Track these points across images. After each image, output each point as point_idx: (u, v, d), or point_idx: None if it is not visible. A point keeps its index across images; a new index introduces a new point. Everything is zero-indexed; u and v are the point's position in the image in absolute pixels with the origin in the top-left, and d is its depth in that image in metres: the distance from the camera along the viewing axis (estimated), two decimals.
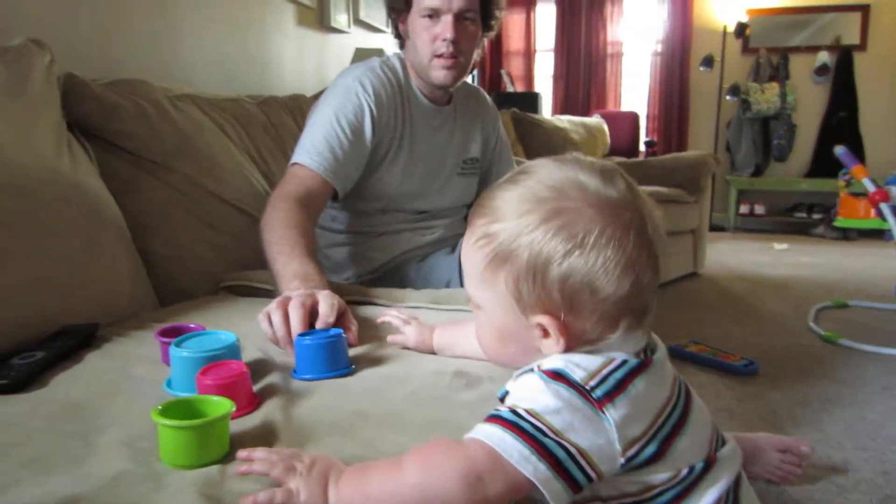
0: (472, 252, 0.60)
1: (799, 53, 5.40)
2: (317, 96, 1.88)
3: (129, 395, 0.71)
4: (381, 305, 1.17)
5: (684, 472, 0.58)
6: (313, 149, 1.30)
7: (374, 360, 0.83)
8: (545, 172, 0.59)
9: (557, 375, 0.55)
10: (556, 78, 5.78)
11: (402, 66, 1.47)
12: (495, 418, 0.53)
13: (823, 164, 5.38)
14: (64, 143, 1.15)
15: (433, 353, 0.87)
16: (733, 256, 4.15)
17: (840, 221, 2.75)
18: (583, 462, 0.52)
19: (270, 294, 1.25)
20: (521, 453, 0.50)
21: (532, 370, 0.58)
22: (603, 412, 0.53)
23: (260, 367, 0.79)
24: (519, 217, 0.57)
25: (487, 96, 1.69)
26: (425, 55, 1.38)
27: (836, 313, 2.90)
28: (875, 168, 5.24)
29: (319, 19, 2.72)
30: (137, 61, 1.74)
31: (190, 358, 0.71)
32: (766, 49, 5.41)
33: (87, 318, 0.95)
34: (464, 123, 1.58)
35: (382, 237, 1.48)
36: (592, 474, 0.52)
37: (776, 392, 1.85)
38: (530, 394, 0.55)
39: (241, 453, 0.55)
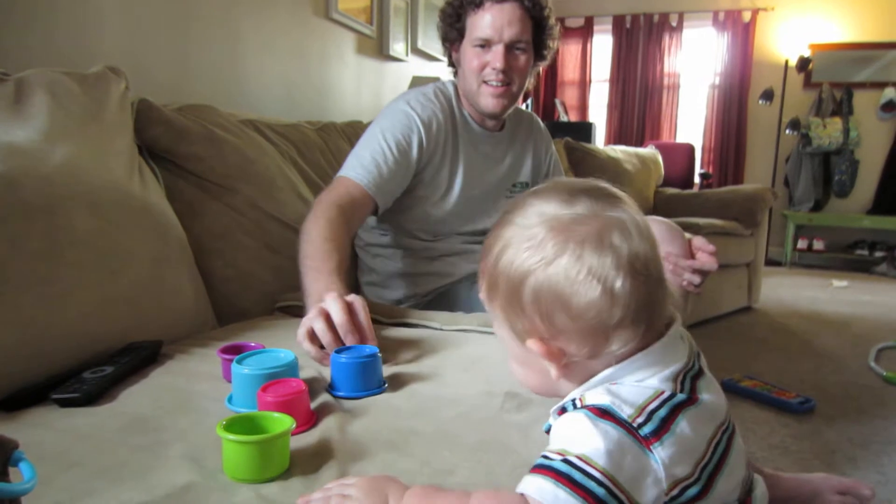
0: (481, 289, 0.63)
1: (864, 89, 5.25)
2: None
3: (193, 411, 0.74)
4: (434, 329, 1.19)
5: None
6: (358, 163, 1.34)
7: (423, 379, 0.84)
8: (520, 208, 0.61)
9: (604, 413, 0.53)
10: (611, 108, 5.77)
11: (456, 92, 1.50)
12: (546, 469, 0.52)
13: (887, 201, 5.20)
14: (135, 165, 1.21)
15: None
16: (789, 292, 4.03)
17: None
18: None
19: None
20: None
21: (574, 405, 0.57)
22: (651, 451, 0.52)
23: (317, 385, 0.81)
24: (493, 248, 0.60)
25: (540, 122, 1.70)
26: (474, 82, 1.41)
27: (893, 353, 2.78)
28: None
29: (378, 48, 2.80)
30: (205, 87, 1.83)
31: (251, 375, 0.74)
32: (829, 84, 5.28)
33: (153, 335, 0.99)
34: (516, 148, 1.60)
35: (434, 261, 1.50)
36: None
37: (833, 431, 1.80)
38: (578, 435, 0.53)
39: (299, 501, 0.55)
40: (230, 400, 0.77)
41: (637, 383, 0.57)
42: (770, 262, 4.56)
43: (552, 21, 1.43)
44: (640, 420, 0.53)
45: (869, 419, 1.90)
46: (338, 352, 0.82)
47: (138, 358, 0.88)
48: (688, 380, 0.58)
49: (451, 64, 1.51)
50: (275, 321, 1.20)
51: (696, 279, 1.43)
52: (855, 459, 1.62)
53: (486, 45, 1.38)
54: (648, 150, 4.07)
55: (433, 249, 1.50)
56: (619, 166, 3.62)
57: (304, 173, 1.64)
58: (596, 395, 0.56)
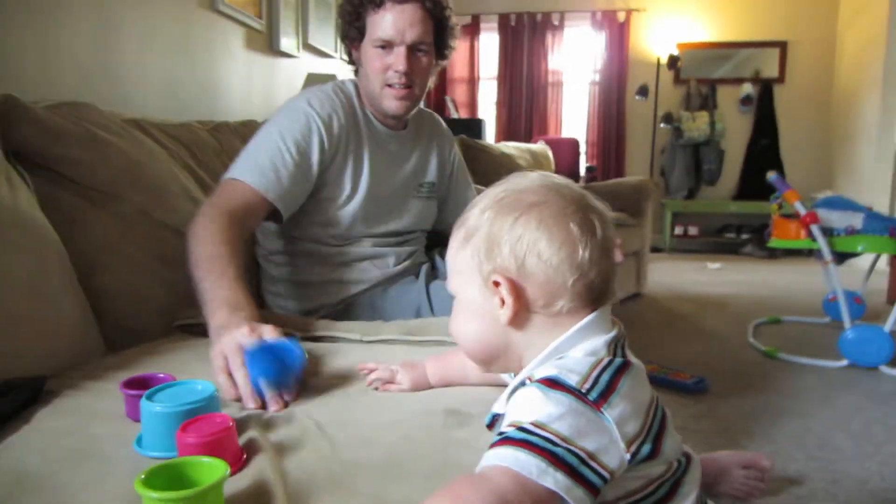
0: (452, 241, 0.68)
1: (725, 85, 5.68)
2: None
3: (96, 461, 0.64)
4: (353, 341, 1.13)
5: (674, 465, 0.63)
6: (255, 166, 1.25)
7: (353, 402, 0.78)
8: (510, 178, 0.68)
9: (553, 383, 0.56)
10: (500, 105, 5.87)
11: (356, 90, 1.46)
12: (504, 440, 0.53)
13: (749, 188, 5.66)
14: (2, 171, 1.05)
15: (429, 388, 0.84)
16: (672, 276, 4.28)
17: (774, 242, 2.87)
18: (594, 464, 0.53)
19: None
20: (539, 467, 0.51)
21: (524, 384, 0.60)
22: (601, 412, 0.55)
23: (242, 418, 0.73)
24: (482, 201, 0.66)
25: (443, 122, 1.68)
26: (377, 84, 1.38)
27: (772, 328, 3.02)
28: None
29: (268, 43, 2.66)
30: (76, 83, 1.64)
31: (165, 413, 0.65)
32: (695, 80, 5.66)
33: (31, 368, 0.86)
34: (420, 147, 1.57)
35: (344, 268, 1.43)
36: (606, 474, 0.53)
37: (727, 407, 1.91)
38: (531, 406, 0.56)
39: None
40: (139, 442, 0.67)
41: (581, 354, 0.61)
42: (652, 249, 4.83)
43: (453, 21, 1.42)
44: (587, 386, 0.56)
45: (757, 393, 2.04)
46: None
47: (17, 399, 0.76)
48: (619, 347, 0.63)
49: (352, 62, 1.47)
50: (176, 344, 1.09)
51: None
52: (750, 432, 1.73)
53: (387, 45, 1.34)
54: (539, 146, 4.17)
55: (343, 254, 1.43)
56: (513, 162, 3.67)
57: (198, 178, 1.51)
58: (543, 369, 0.59)
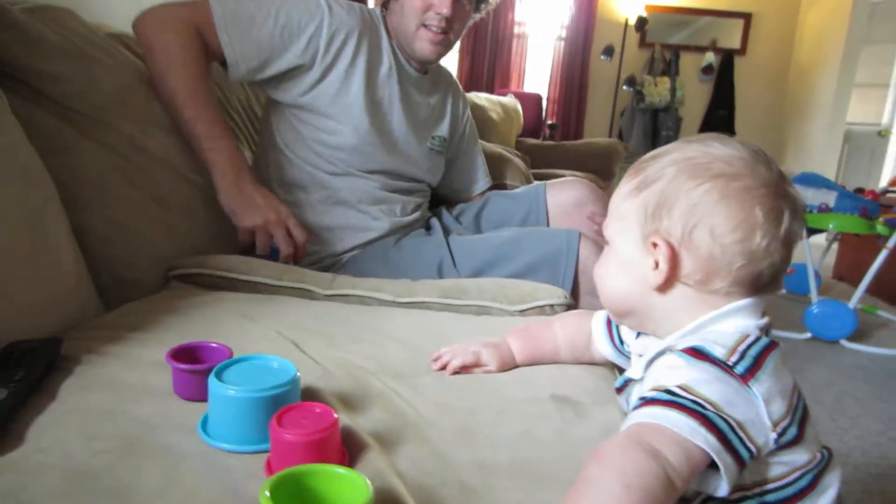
0: (623, 185, 0.62)
1: (689, 52, 5.68)
2: None
3: (159, 454, 0.51)
4: (384, 302, 1.02)
5: (818, 456, 0.58)
6: (235, 4, 1.20)
7: (447, 387, 0.68)
8: (709, 140, 0.60)
9: (698, 353, 0.54)
10: (463, 54, 5.67)
11: (384, 24, 1.35)
12: (649, 401, 0.51)
13: None
14: None
15: (515, 367, 0.76)
16: None
17: None
18: (742, 435, 0.50)
19: (235, 284, 1.06)
20: (689, 426, 0.48)
21: (665, 353, 0.57)
22: (748, 386, 0.52)
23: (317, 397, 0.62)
24: (671, 154, 0.60)
25: (457, 82, 1.57)
26: (412, 23, 1.28)
27: None
28: None
29: None
30: None
31: (249, 399, 0.53)
32: (660, 45, 5.63)
33: (26, 327, 0.72)
34: (436, 98, 1.49)
35: (350, 209, 1.32)
36: (753, 448, 0.51)
37: None
38: (675, 371, 0.53)
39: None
40: (205, 430, 0.56)
41: (730, 329, 0.57)
42: None
43: None
44: (734, 359, 0.53)
45: None
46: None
47: (35, 368, 0.62)
48: (767, 334, 0.59)
49: None
50: (187, 298, 0.95)
51: None
52: None
53: None
54: (509, 99, 4.05)
55: (349, 190, 1.31)
56: (485, 114, 3.54)
57: None
58: (685, 339, 0.57)
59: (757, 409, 0.52)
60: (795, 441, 0.55)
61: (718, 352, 0.53)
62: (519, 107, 4.04)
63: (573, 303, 1.05)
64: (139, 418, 0.57)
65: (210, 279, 1.07)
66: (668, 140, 5.57)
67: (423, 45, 1.30)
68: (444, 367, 0.73)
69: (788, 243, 0.56)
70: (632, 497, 0.43)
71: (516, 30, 5.66)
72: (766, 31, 5.63)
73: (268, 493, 0.40)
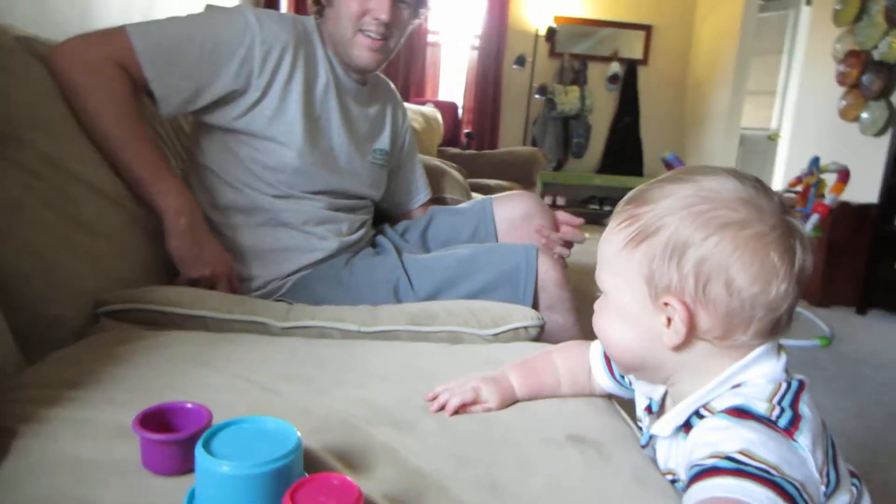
0: (614, 235, 0.58)
1: (596, 62, 5.87)
2: None
3: None
4: (349, 333, 0.95)
5: (854, 491, 0.58)
6: (153, 29, 1.11)
7: (455, 434, 0.61)
8: (700, 177, 0.57)
9: (742, 412, 0.52)
10: None
11: (319, 33, 1.27)
12: (713, 471, 0.48)
13: (612, 162, 5.97)
14: None
15: (515, 402, 0.71)
16: None
17: None
18: (806, 496, 0.48)
19: (177, 320, 0.95)
20: (768, 497, 0.46)
21: (699, 414, 0.55)
22: (795, 440, 0.51)
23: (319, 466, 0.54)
24: (665, 200, 0.56)
25: (396, 91, 1.52)
26: (349, 29, 1.21)
27: None
28: (649, 169, 5.97)
29: None
30: None
31: (248, 476, 0.45)
32: (569, 55, 5.79)
33: None
34: (376, 109, 1.42)
35: (293, 231, 1.24)
36: None
37: None
38: (727, 435, 0.50)
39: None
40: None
41: (762, 381, 0.55)
42: None
43: None
44: (775, 413, 0.52)
45: None
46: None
47: None
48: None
49: (317, 1, 1.27)
50: (126, 341, 0.83)
51: (566, 252, 1.41)
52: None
53: None
54: (429, 109, 4.01)
55: (291, 212, 1.23)
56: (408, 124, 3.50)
57: None
58: (723, 399, 0.55)
59: (807, 463, 0.50)
60: (836, 485, 0.54)
61: (760, 408, 0.52)
62: (439, 116, 4.01)
63: (544, 323, 1.01)
64: None
65: (147, 315, 0.96)
66: (580, 147, 5.77)
67: (360, 52, 1.23)
68: (442, 408, 0.68)
69: (802, 279, 0.55)
70: None
71: (430, 38, 5.65)
72: (665, 42, 5.91)
73: None
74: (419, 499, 0.50)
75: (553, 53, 5.81)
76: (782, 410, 0.52)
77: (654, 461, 0.62)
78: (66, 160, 1.00)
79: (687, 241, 0.53)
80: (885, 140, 3.42)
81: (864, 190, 3.41)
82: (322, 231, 1.26)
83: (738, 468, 0.47)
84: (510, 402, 0.70)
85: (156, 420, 0.54)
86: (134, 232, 1.09)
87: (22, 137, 0.94)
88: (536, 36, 5.58)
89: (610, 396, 0.74)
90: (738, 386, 0.55)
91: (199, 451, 0.46)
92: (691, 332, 0.54)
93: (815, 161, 3.01)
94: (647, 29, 5.88)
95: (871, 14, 3.70)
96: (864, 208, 3.38)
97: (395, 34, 1.25)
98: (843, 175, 2.82)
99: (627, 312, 0.58)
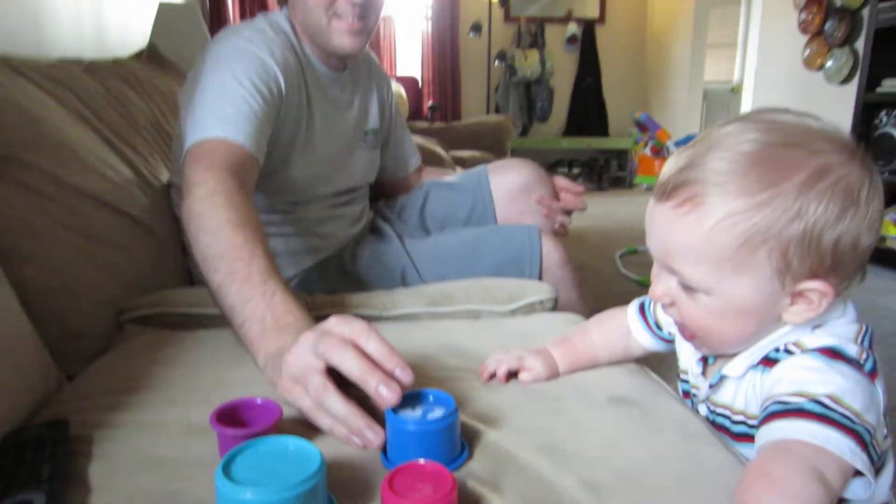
0: (715, 235, 0.53)
1: (553, 24, 5.87)
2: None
3: None
4: (371, 318, 0.98)
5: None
6: (223, 120, 0.96)
7: (520, 411, 0.65)
8: (770, 122, 0.54)
9: (835, 353, 0.52)
10: None
11: (292, 26, 1.20)
12: (800, 412, 0.49)
13: (576, 124, 6.02)
14: None
15: (558, 376, 0.74)
16: None
17: (640, 179, 3.09)
18: (874, 442, 0.50)
19: (202, 320, 0.97)
20: (850, 448, 0.48)
21: (783, 352, 0.55)
22: (875, 386, 0.52)
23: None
24: (776, 186, 0.51)
25: (377, 59, 1.49)
26: (321, 16, 1.13)
27: (634, 258, 3.27)
28: (615, 129, 6.04)
29: None
30: None
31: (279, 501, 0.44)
32: (525, 18, 5.79)
33: None
34: (361, 90, 1.37)
35: (302, 237, 1.24)
36: (875, 457, 0.50)
37: None
38: (819, 377, 0.51)
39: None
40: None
41: (845, 320, 0.56)
42: None
43: None
44: (864, 357, 0.53)
45: None
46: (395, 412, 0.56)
47: (61, 460, 0.53)
48: None
49: None
50: (161, 345, 0.85)
51: (568, 220, 1.43)
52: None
53: None
54: (393, 86, 4.00)
55: (296, 221, 1.23)
56: None
57: (101, 135, 1.18)
58: (815, 338, 0.55)
59: (879, 408, 0.52)
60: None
61: (852, 350, 0.53)
62: (403, 91, 4.01)
63: (558, 295, 1.06)
64: (203, 500, 0.51)
65: (172, 318, 0.98)
66: (543, 111, 5.80)
67: (340, 38, 1.15)
68: (492, 376, 0.71)
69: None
70: None
71: (382, 13, 5.58)
72: (620, 0, 5.94)
73: None
74: (495, 469, 0.54)
75: (508, 18, 5.80)
76: (869, 355, 0.53)
77: (696, 412, 0.66)
78: (69, 176, 1.01)
79: (824, 226, 0.51)
80: (851, 88, 3.38)
81: None
82: (324, 231, 1.27)
83: (824, 413, 0.48)
84: (555, 374, 0.73)
85: (229, 416, 0.57)
86: (142, 239, 1.11)
87: (22, 159, 0.94)
88: (490, 2, 5.56)
89: (636, 361, 0.79)
90: (818, 326, 0.56)
91: (219, 477, 0.45)
92: (827, 297, 0.53)
93: None
94: None
95: None
96: None
97: (372, 10, 1.17)
98: None
99: (748, 305, 0.55)
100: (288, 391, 0.62)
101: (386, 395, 0.55)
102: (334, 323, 0.62)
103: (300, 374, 0.61)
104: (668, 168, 0.57)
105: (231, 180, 0.87)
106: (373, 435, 0.56)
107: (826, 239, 0.51)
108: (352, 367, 0.57)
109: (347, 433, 0.58)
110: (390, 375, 0.57)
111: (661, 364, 0.86)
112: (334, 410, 0.58)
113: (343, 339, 0.59)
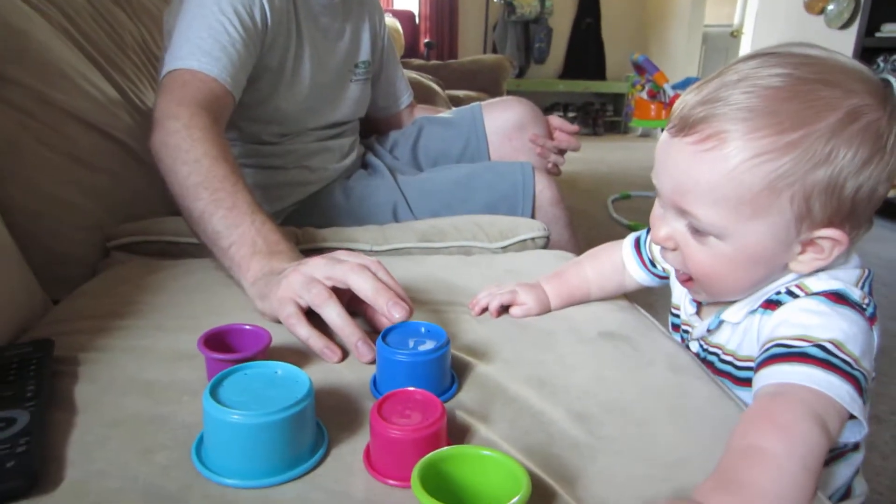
0: (738, 174, 0.50)
1: None
2: None
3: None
4: (359, 251, 0.97)
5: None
6: (199, 49, 0.94)
7: (508, 341, 0.65)
8: (802, 56, 0.52)
9: (840, 298, 0.52)
10: None
11: None
12: (802, 356, 0.48)
13: (573, 66, 5.92)
14: None
15: (549, 311, 0.73)
16: None
17: (635, 122, 3.06)
18: (867, 386, 0.50)
19: (188, 249, 0.96)
20: (850, 394, 0.47)
21: (785, 294, 0.54)
22: (872, 330, 0.52)
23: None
24: (809, 125, 0.48)
25: None
26: None
27: (626, 204, 3.27)
28: (612, 72, 5.94)
29: None
30: None
31: (260, 424, 0.44)
32: None
33: None
34: (353, 21, 1.32)
35: (288, 170, 1.22)
36: (866, 400, 0.50)
37: None
38: (822, 321, 0.50)
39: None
40: (199, 452, 0.47)
41: (850, 265, 0.56)
42: None
43: None
44: (866, 302, 0.53)
45: None
46: (384, 339, 0.56)
47: (46, 379, 0.53)
48: None
49: None
50: (149, 272, 0.84)
51: (562, 160, 1.42)
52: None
53: None
54: (388, 19, 3.88)
55: (285, 154, 1.21)
56: None
57: (85, 52, 1.14)
58: (820, 281, 0.54)
59: (872, 352, 0.51)
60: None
61: (856, 295, 0.52)
62: (399, 26, 3.90)
63: (550, 233, 1.05)
64: (189, 423, 0.51)
65: (157, 246, 0.97)
66: (541, 52, 5.68)
67: None
68: (484, 310, 0.71)
69: None
70: (806, 479, 0.42)
71: None
72: None
73: (418, 481, 0.37)
74: (484, 400, 0.54)
75: None
76: (870, 300, 0.53)
77: (687, 347, 0.67)
78: (56, 95, 0.97)
79: (849, 172, 0.49)
80: (851, 32, 3.38)
81: None
82: (314, 164, 1.24)
83: (826, 359, 0.48)
84: (546, 309, 0.72)
85: (216, 342, 0.57)
86: (130, 164, 1.08)
87: (6, 73, 0.91)
88: None
89: (624, 297, 0.79)
90: (821, 269, 0.54)
91: (207, 399, 0.45)
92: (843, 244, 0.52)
93: None
94: None
95: None
96: None
97: None
98: None
99: (762, 251, 0.53)
100: (279, 302, 0.64)
101: (396, 311, 0.59)
102: (345, 253, 0.67)
103: (304, 283, 0.63)
104: (688, 101, 0.53)
105: (204, 115, 0.86)
106: (366, 349, 0.60)
107: (849, 186, 0.49)
108: (366, 286, 0.61)
109: (323, 345, 0.61)
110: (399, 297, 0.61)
111: (649, 294, 0.86)
112: (332, 317, 0.61)
113: (358, 264, 0.64)
